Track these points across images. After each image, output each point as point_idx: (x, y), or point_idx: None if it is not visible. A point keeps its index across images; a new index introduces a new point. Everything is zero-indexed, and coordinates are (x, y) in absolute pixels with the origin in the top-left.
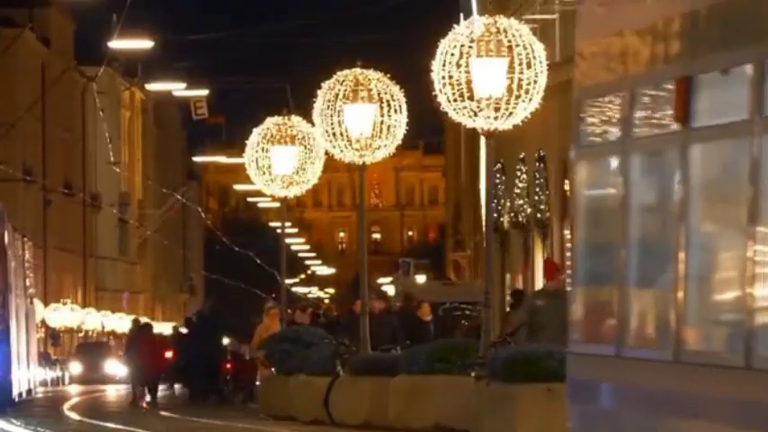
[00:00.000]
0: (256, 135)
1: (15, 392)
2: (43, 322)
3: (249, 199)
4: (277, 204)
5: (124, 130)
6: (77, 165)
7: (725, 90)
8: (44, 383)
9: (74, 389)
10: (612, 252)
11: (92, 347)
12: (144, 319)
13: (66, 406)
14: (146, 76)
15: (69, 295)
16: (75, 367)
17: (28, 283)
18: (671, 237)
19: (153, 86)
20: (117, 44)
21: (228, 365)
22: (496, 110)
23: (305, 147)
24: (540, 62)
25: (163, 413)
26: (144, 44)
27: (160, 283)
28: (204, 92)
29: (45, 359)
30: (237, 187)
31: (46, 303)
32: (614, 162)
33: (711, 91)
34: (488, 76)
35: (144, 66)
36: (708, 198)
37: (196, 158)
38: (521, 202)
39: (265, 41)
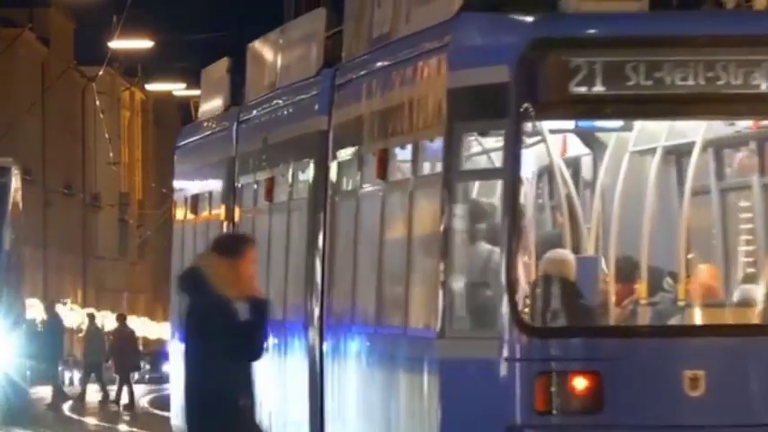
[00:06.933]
0: None
1: None
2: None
3: None
4: None
5: (124, 130)
6: (77, 165)
7: None
8: None
9: None
10: None
11: None
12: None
13: (66, 406)
14: (146, 76)
15: (69, 295)
16: None
17: None
18: None
19: (153, 86)
20: (117, 44)
21: None
22: None
23: None
24: None
25: (162, 413)
26: (144, 44)
27: (160, 283)
28: None
29: None
30: None
31: None
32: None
33: None
34: None
35: (144, 66)
36: None
37: None
38: None
39: None
